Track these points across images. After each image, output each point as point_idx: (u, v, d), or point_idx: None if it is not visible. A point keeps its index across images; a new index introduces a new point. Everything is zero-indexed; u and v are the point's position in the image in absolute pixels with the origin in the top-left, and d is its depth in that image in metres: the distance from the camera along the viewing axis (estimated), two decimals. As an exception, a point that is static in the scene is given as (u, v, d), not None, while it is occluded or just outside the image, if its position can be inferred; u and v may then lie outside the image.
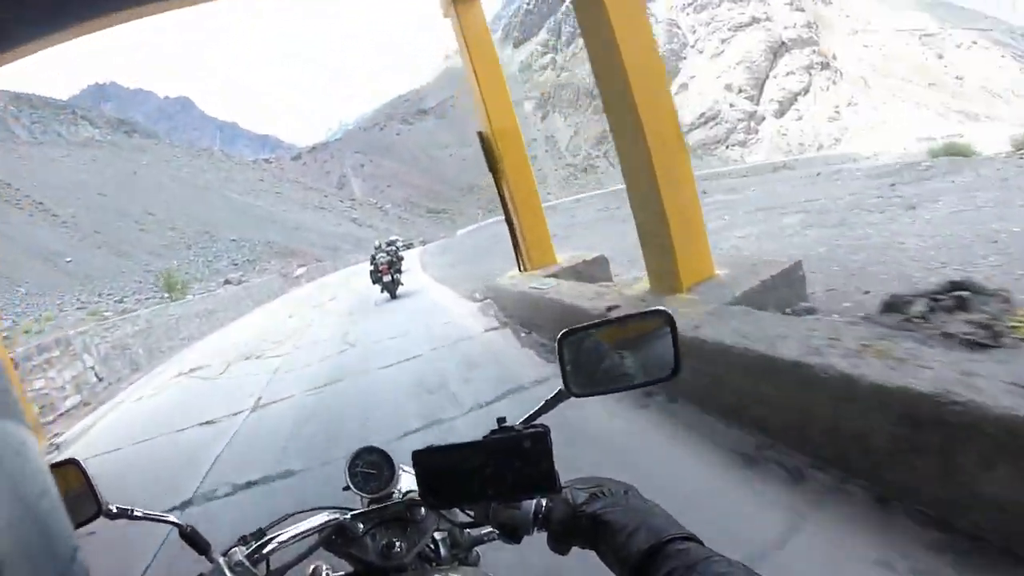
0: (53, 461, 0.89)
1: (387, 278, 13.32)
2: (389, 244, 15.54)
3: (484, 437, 0.76)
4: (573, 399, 0.84)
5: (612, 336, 0.86)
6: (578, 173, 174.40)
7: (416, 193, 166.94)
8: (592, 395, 0.84)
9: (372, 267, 13.55)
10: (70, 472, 0.91)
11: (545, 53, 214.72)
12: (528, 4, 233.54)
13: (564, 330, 0.84)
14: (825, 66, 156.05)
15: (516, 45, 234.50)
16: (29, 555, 0.26)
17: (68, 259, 36.16)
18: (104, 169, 59.92)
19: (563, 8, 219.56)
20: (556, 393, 0.84)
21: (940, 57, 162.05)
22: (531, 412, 0.84)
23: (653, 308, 0.84)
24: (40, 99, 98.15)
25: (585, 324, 0.85)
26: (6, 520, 0.25)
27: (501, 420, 0.79)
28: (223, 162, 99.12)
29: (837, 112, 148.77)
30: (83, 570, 0.29)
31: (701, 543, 0.63)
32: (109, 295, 32.37)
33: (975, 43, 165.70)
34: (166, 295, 30.54)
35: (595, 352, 0.85)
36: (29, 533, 0.26)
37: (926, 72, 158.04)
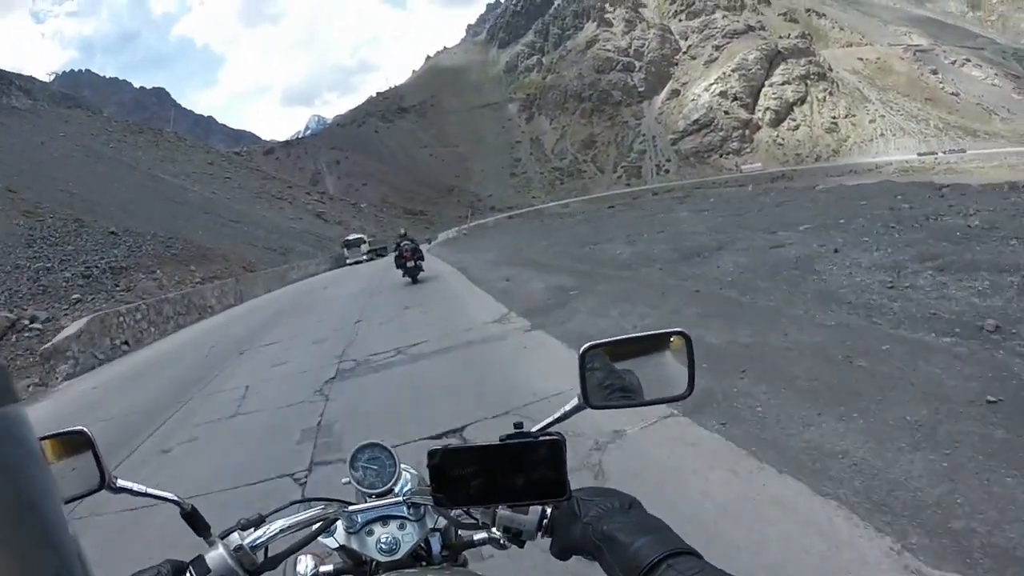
0: (58, 431, 0.89)
1: (410, 264, 14.76)
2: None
3: (500, 440, 0.76)
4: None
5: (631, 351, 0.88)
6: (564, 177, 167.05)
7: (393, 192, 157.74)
8: (608, 408, 0.86)
9: (396, 253, 15.25)
10: (76, 441, 0.90)
11: (531, 55, 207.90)
12: (515, 5, 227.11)
13: (587, 344, 0.86)
14: (821, 77, 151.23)
15: (502, 46, 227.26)
16: (27, 547, 0.26)
17: None
18: (4, 138, 49.27)
19: (551, 10, 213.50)
20: (574, 404, 0.86)
21: (935, 73, 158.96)
22: (548, 420, 0.86)
23: (673, 329, 0.86)
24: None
25: (607, 340, 0.87)
26: (4, 512, 0.25)
27: (518, 425, 0.79)
28: (170, 143, 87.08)
29: (834, 123, 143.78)
30: (80, 558, 0.28)
31: (701, 558, 0.64)
32: None
33: (968, 60, 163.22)
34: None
35: (614, 366, 0.86)
36: (28, 525, 0.26)
37: (922, 87, 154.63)
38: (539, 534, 0.83)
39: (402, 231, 16.23)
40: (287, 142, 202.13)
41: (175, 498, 0.93)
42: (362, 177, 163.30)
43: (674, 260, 9.53)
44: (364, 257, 44.98)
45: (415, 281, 14.60)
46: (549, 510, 0.82)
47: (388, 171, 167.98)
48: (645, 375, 0.86)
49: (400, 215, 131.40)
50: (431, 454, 0.75)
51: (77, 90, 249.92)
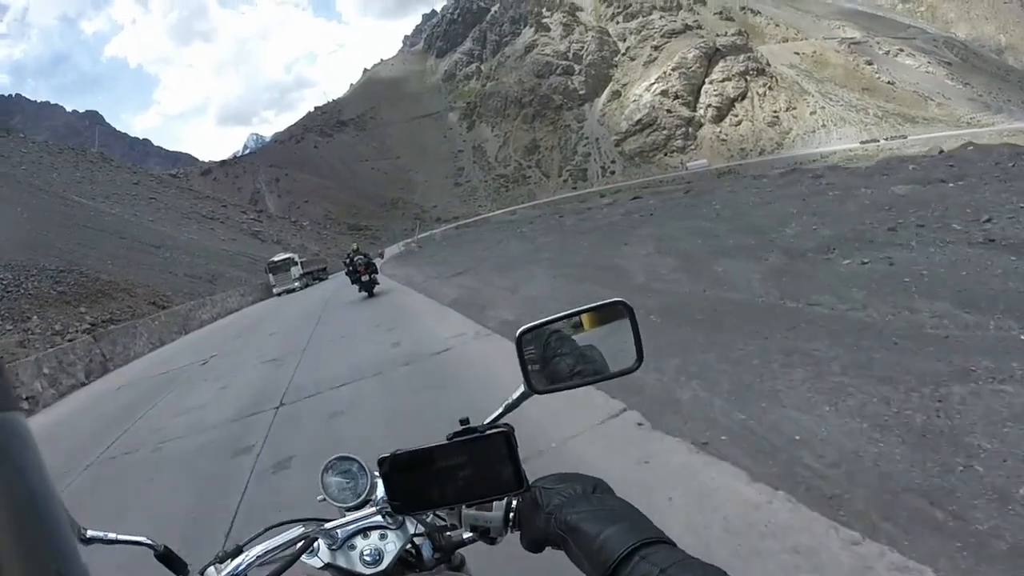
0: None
1: (365, 277, 14.73)
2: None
3: (448, 438, 0.74)
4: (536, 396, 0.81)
5: (570, 329, 0.84)
6: (509, 184, 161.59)
7: (335, 208, 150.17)
8: (555, 391, 0.82)
9: (351, 268, 14.99)
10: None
11: (470, 62, 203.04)
12: (452, 14, 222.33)
13: (522, 328, 0.82)
14: (760, 72, 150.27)
15: (439, 55, 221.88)
16: (29, 550, 0.26)
17: None
18: None
19: (488, 17, 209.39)
20: (520, 393, 0.82)
21: (870, 63, 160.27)
22: (495, 413, 0.83)
23: (611, 300, 0.82)
24: None
25: (542, 320, 0.82)
26: (5, 516, 0.25)
27: (464, 421, 0.76)
28: (92, 163, 78.49)
29: (776, 116, 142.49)
30: (82, 566, 0.28)
31: (674, 545, 0.61)
32: None
33: (901, 50, 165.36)
34: None
35: (555, 347, 0.82)
36: (29, 529, 0.26)
37: (859, 78, 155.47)
38: (507, 528, 0.81)
39: (354, 246, 16.06)
40: (224, 162, 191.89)
41: (148, 541, 0.91)
42: (303, 194, 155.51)
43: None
44: (296, 284, 35.51)
45: (371, 295, 14.79)
46: (514, 503, 0.80)
47: (330, 187, 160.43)
48: (589, 350, 0.83)
49: (344, 231, 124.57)
50: (380, 462, 0.74)
51: (7, 117, 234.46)
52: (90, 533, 0.88)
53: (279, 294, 34.12)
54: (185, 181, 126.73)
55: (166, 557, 0.90)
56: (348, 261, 15.14)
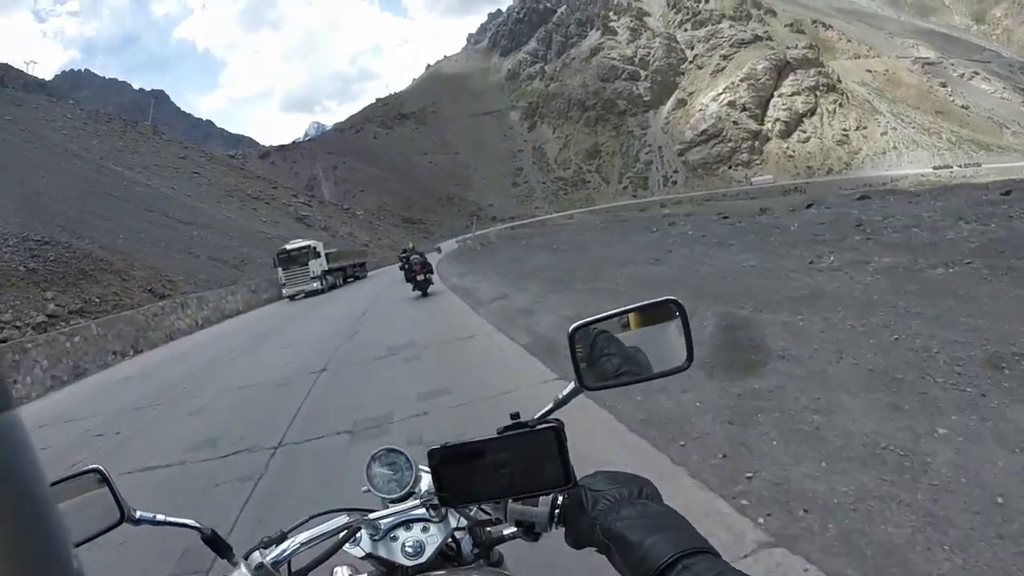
0: (78, 470, 0.91)
1: (420, 277, 14.30)
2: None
3: (498, 432, 0.75)
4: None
5: (622, 326, 0.85)
6: (568, 187, 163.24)
7: (391, 200, 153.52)
8: (606, 388, 0.84)
9: (407, 267, 14.53)
10: (93, 479, 0.92)
11: (534, 63, 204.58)
12: (518, 13, 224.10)
13: (575, 324, 0.83)
14: (831, 88, 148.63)
15: (503, 54, 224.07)
16: (21, 555, 0.26)
17: None
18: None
19: (554, 18, 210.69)
20: (571, 388, 0.84)
21: (944, 86, 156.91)
22: (545, 408, 0.84)
23: (663, 298, 0.83)
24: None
25: (594, 317, 0.84)
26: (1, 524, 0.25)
27: (515, 416, 0.78)
28: (140, 134, 78.49)
29: (846, 135, 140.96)
30: (76, 571, 0.28)
31: (718, 555, 0.61)
32: None
33: (976, 74, 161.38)
34: None
35: (606, 344, 0.84)
36: (23, 535, 0.26)
37: (932, 100, 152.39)
38: (552, 525, 0.81)
39: (410, 245, 16.31)
40: (283, 146, 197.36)
41: (195, 524, 0.94)
42: (359, 183, 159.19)
43: None
44: (316, 285, 27.05)
45: (425, 294, 14.46)
46: (560, 499, 0.80)
47: (386, 178, 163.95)
48: (640, 348, 0.84)
49: (398, 223, 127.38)
50: (430, 454, 0.75)
51: (76, 90, 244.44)
52: (139, 514, 0.92)
53: (292, 297, 26.40)
54: (244, 161, 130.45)
55: (212, 540, 0.92)
56: (404, 259, 15.14)
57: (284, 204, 78.70)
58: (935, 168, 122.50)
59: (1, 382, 0.28)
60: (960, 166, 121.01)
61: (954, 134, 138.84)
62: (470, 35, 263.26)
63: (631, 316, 0.85)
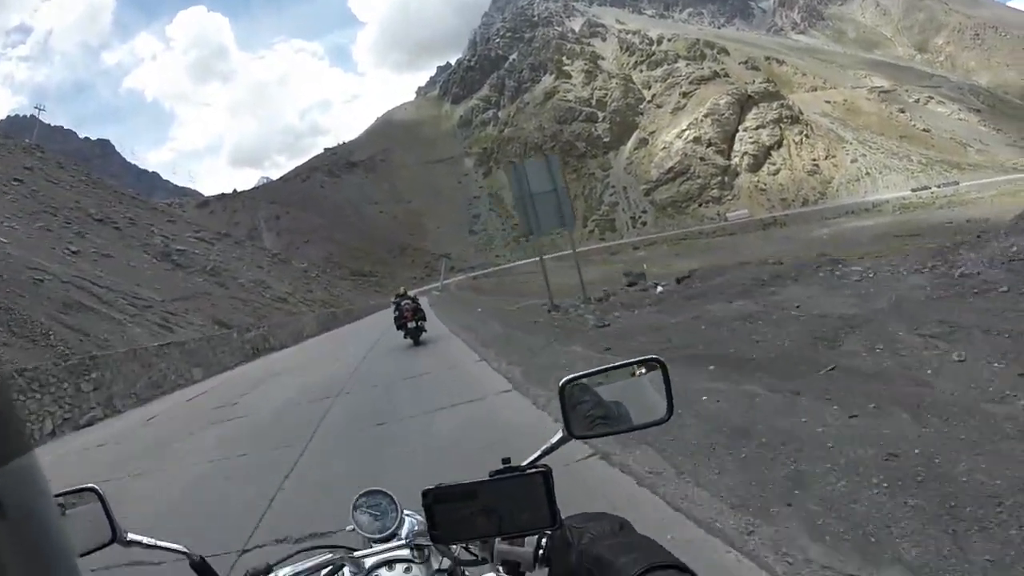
0: (71, 488, 0.92)
1: (411, 324, 13.33)
2: None
3: (490, 476, 0.78)
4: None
5: (609, 381, 0.90)
6: (528, 233, 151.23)
7: (340, 251, 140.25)
8: (592, 437, 0.90)
9: (396, 313, 13.70)
10: (87, 498, 0.92)
11: (487, 108, 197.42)
12: (469, 61, 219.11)
13: (566, 377, 0.89)
14: (794, 120, 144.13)
15: (455, 101, 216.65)
16: None
17: None
18: None
19: (507, 64, 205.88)
20: (559, 436, 0.88)
21: (903, 111, 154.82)
22: (535, 454, 0.88)
23: (647, 357, 0.89)
24: None
25: (584, 372, 0.90)
26: (11, 550, 0.25)
27: (506, 460, 0.80)
28: (59, 172, 59.60)
29: (816, 165, 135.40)
30: None
31: (693, 573, 0.63)
32: None
33: (931, 98, 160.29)
34: None
35: (594, 396, 0.89)
36: (33, 561, 0.26)
37: (894, 125, 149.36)
38: (536, 565, 0.84)
39: (401, 290, 15.16)
40: (224, 195, 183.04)
41: (184, 550, 0.94)
42: (304, 234, 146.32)
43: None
44: None
45: (417, 343, 13.14)
46: (544, 540, 0.83)
47: (334, 228, 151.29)
48: (624, 403, 0.90)
49: (346, 276, 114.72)
50: (425, 494, 0.77)
51: (21, 136, 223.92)
52: (130, 536, 0.91)
53: None
54: (181, 210, 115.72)
55: (200, 567, 0.92)
56: (395, 306, 14.00)
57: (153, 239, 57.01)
58: (913, 190, 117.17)
59: (19, 426, 0.28)
60: (938, 186, 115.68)
61: (923, 156, 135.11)
62: (419, 88, 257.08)
63: (618, 372, 0.91)
